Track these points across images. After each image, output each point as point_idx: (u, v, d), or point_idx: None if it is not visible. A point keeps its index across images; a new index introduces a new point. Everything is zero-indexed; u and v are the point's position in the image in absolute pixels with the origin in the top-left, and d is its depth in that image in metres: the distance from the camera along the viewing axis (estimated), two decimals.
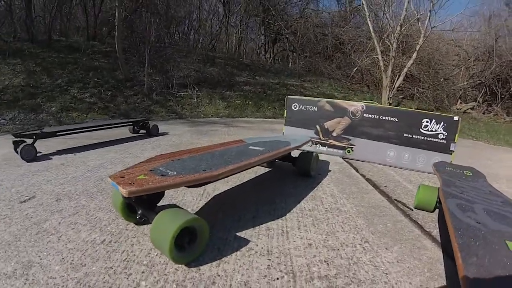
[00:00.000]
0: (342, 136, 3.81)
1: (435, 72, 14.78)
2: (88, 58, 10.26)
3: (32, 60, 9.16)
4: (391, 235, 1.95)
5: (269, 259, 1.60)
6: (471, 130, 10.33)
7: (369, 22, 11.61)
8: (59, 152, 3.60)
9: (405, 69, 11.42)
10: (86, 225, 1.85)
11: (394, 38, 11.17)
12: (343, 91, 13.27)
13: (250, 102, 9.91)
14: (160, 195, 1.80)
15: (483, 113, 14.22)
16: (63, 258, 1.52)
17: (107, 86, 8.88)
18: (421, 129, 3.46)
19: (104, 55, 10.77)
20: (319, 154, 3.79)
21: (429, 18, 10.67)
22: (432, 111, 12.19)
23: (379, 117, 3.60)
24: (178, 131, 5.55)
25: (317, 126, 3.93)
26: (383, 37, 12.01)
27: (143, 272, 1.45)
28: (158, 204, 1.83)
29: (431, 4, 10.50)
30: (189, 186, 1.92)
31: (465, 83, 15.55)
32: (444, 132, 3.40)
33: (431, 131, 3.43)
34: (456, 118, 3.38)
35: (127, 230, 1.82)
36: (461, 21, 16.11)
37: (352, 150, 3.78)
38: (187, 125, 6.51)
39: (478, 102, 15.11)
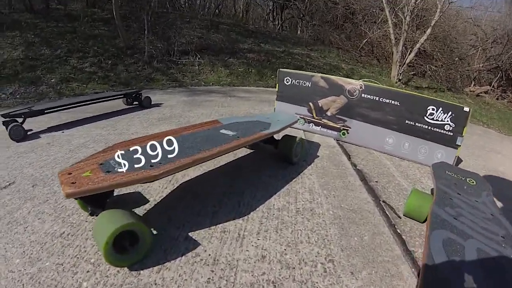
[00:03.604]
0: (337, 116, 3.52)
1: (450, 51, 14.19)
2: (87, 26, 9.97)
3: (31, 31, 8.95)
4: (364, 253, 1.68)
5: (213, 271, 1.45)
6: (482, 115, 9.92)
7: None
8: (50, 130, 3.53)
9: (418, 45, 10.90)
10: (52, 215, 1.85)
11: (408, 11, 10.60)
12: (351, 63, 12.81)
13: (253, 70, 9.65)
14: (107, 192, 1.64)
15: (497, 99, 13.72)
16: (24, 251, 1.54)
17: (107, 54, 8.67)
18: (425, 117, 3.13)
19: (104, 22, 10.44)
20: (312, 134, 3.60)
21: None
22: (443, 91, 11.87)
23: (379, 98, 3.26)
24: (172, 102, 5.36)
25: (310, 104, 3.64)
26: (396, 9, 11.44)
27: (87, 272, 1.39)
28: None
29: None
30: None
31: (481, 65, 15.02)
32: (451, 123, 3.05)
33: (437, 120, 3.09)
34: (466, 108, 3.01)
35: (86, 221, 1.77)
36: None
37: (348, 133, 3.51)
38: (184, 95, 6.31)
39: (493, 87, 14.64)
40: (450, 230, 1.50)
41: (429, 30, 10.71)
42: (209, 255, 1.56)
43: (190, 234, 1.70)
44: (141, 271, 1.41)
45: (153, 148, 1.85)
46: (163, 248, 1.58)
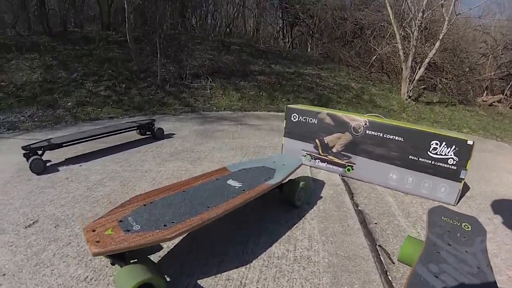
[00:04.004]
0: (342, 153, 3.63)
1: (460, 61, 14.06)
2: (102, 49, 10.37)
3: (49, 54, 9.36)
4: None
5: None
6: (495, 128, 9.76)
7: (388, 8, 11.09)
8: (67, 162, 3.75)
9: (427, 60, 10.85)
10: (75, 258, 2.00)
11: (415, 25, 10.59)
12: (361, 81, 12.84)
13: (264, 94, 9.77)
14: None
15: (510, 108, 13.53)
16: None
17: (121, 78, 8.99)
18: (428, 152, 3.20)
19: (118, 45, 10.85)
20: (318, 171, 3.71)
21: (454, 4, 10.06)
22: (455, 105, 11.77)
23: (382, 135, 3.37)
24: (184, 132, 5.55)
25: (316, 140, 3.77)
26: (403, 24, 11.49)
27: None
28: None
29: None
30: None
31: (493, 73, 14.85)
32: (454, 157, 3.11)
33: (440, 154, 3.16)
34: (470, 142, 3.05)
35: (107, 267, 1.92)
36: (490, 5, 15.30)
37: (352, 169, 3.61)
38: (196, 122, 6.51)
39: (506, 95, 14.43)
40: None
41: (437, 44, 10.68)
42: None
43: (198, 281, 1.84)
44: None
45: (166, 202, 2.03)
46: None
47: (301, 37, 18.00)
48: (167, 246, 2.17)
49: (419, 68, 11.19)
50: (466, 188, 3.77)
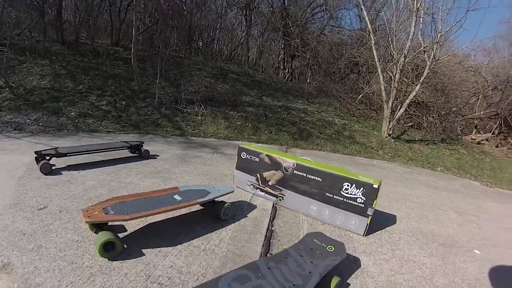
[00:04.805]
0: (276, 186, 4.40)
1: (447, 101, 14.64)
2: (109, 65, 11.16)
3: (59, 63, 10.19)
4: None
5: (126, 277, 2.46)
6: (472, 167, 10.23)
7: (374, 50, 11.91)
8: (69, 168, 4.77)
9: (407, 101, 11.54)
10: (72, 229, 2.98)
11: (397, 68, 11.37)
12: (346, 117, 13.45)
13: (249, 124, 10.45)
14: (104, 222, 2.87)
15: (497, 146, 13.91)
16: (56, 245, 2.68)
17: (122, 96, 9.78)
18: (341, 191, 3.86)
19: (124, 62, 11.66)
20: (258, 198, 4.54)
21: (434, 50, 10.82)
22: (436, 143, 12.23)
23: (306, 175, 4.10)
24: (167, 155, 6.42)
25: (257, 174, 4.58)
26: (387, 67, 12.19)
27: (90, 259, 2.58)
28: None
29: (438, 35, 10.64)
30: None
31: (482, 112, 15.32)
32: (362, 197, 3.73)
33: (351, 194, 3.80)
34: (375, 185, 3.62)
35: (91, 236, 2.89)
36: (483, 46, 15.84)
37: (283, 199, 4.36)
38: (180, 147, 7.31)
39: (493, 133, 14.90)
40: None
41: (417, 87, 11.35)
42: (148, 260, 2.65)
43: (142, 250, 2.82)
44: (113, 261, 2.58)
45: (130, 203, 3.09)
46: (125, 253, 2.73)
47: (301, 69, 18.82)
48: (131, 230, 3.18)
49: (399, 109, 11.82)
50: (394, 222, 4.45)
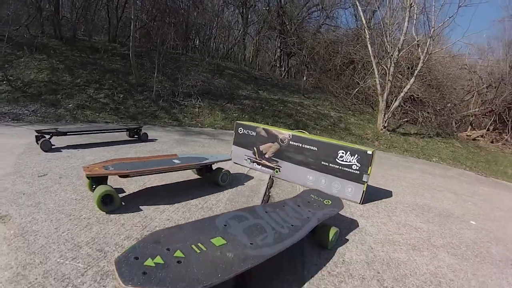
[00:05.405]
0: (272, 158, 4.45)
1: (442, 97, 14.79)
2: (107, 60, 11.24)
3: (57, 58, 10.21)
4: None
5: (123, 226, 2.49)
6: (467, 159, 10.35)
7: (369, 45, 12.08)
8: (68, 147, 4.77)
9: (402, 94, 11.68)
10: (71, 190, 3.10)
11: (391, 62, 11.53)
12: (341, 111, 13.60)
13: (246, 116, 10.57)
14: (105, 177, 2.95)
15: (491, 142, 14.07)
16: (55, 203, 2.77)
17: (120, 89, 9.83)
18: (337, 159, 3.93)
19: (121, 58, 11.73)
20: (255, 171, 4.60)
21: (428, 45, 10.98)
22: (431, 137, 12.36)
23: (301, 145, 4.17)
24: (165, 139, 6.46)
25: (254, 148, 4.62)
26: (381, 61, 12.36)
27: (89, 211, 2.71)
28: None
29: (431, 30, 10.84)
30: (121, 176, 3.10)
31: (476, 109, 15.50)
32: (357, 164, 3.79)
33: (346, 161, 3.87)
34: (369, 152, 3.70)
35: (89, 196, 2.99)
36: (478, 44, 15.98)
37: (280, 171, 4.42)
38: (178, 134, 7.36)
39: (488, 130, 15.05)
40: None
41: (412, 80, 11.50)
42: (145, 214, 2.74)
43: (140, 206, 2.91)
44: (111, 214, 2.68)
45: (130, 164, 3.18)
46: (122, 209, 2.81)
47: (297, 67, 18.96)
48: (129, 192, 3.26)
49: (394, 102, 11.99)
50: (390, 196, 4.54)
